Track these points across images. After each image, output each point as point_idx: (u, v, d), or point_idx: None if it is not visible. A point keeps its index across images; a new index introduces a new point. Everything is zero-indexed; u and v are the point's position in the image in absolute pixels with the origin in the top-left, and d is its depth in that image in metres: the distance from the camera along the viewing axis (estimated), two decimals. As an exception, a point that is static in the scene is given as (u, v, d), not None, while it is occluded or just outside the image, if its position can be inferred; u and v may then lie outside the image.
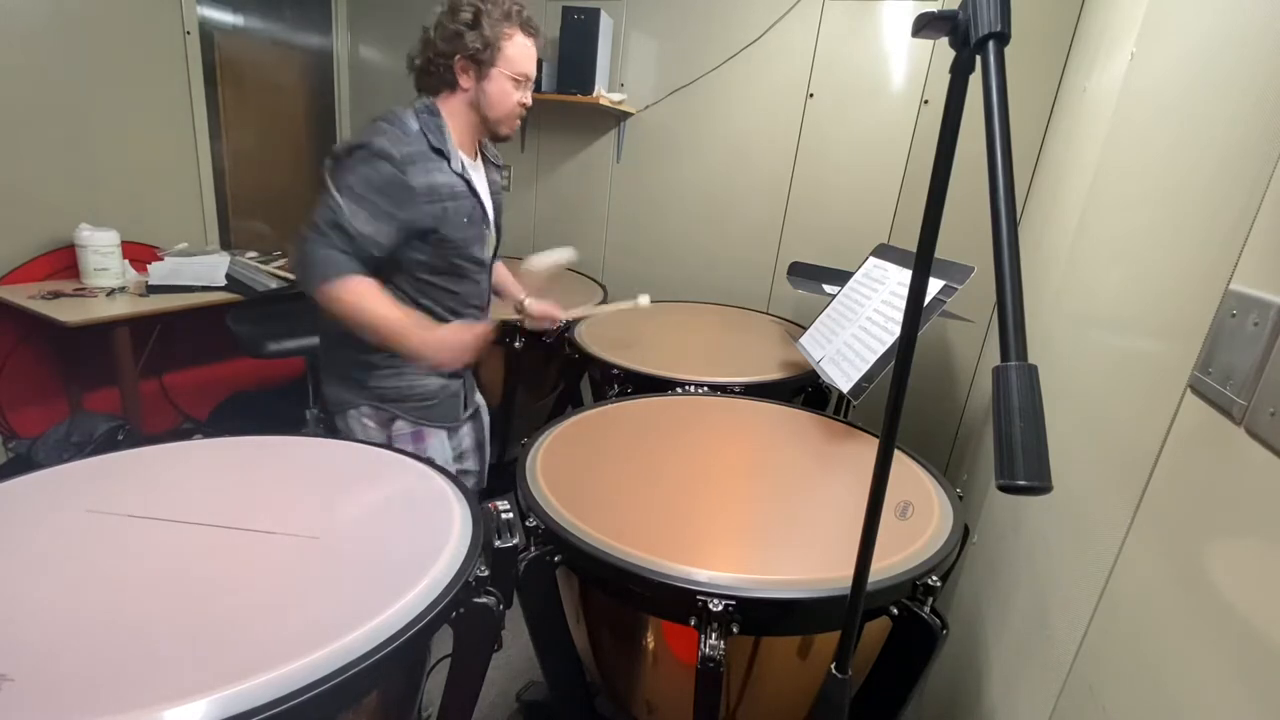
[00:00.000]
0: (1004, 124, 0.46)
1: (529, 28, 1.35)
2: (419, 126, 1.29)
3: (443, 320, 1.42)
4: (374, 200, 1.24)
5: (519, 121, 1.40)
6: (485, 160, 1.48)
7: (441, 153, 1.31)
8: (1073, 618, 0.87)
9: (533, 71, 1.38)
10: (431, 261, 1.35)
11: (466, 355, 1.37)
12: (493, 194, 1.48)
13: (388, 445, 1.26)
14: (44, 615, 0.70)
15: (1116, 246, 1.04)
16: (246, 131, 2.93)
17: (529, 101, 1.39)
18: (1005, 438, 0.43)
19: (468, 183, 1.36)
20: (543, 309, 1.72)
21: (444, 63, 1.31)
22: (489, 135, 1.42)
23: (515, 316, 1.81)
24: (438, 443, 1.48)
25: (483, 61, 1.30)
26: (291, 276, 2.43)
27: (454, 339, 1.35)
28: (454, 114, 1.35)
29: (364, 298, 1.25)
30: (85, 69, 2.29)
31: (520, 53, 1.33)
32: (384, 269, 1.33)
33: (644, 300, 1.82)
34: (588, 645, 1.16)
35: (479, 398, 1.69)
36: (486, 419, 1.71)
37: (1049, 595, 1.00)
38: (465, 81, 1.32)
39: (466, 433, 1.62)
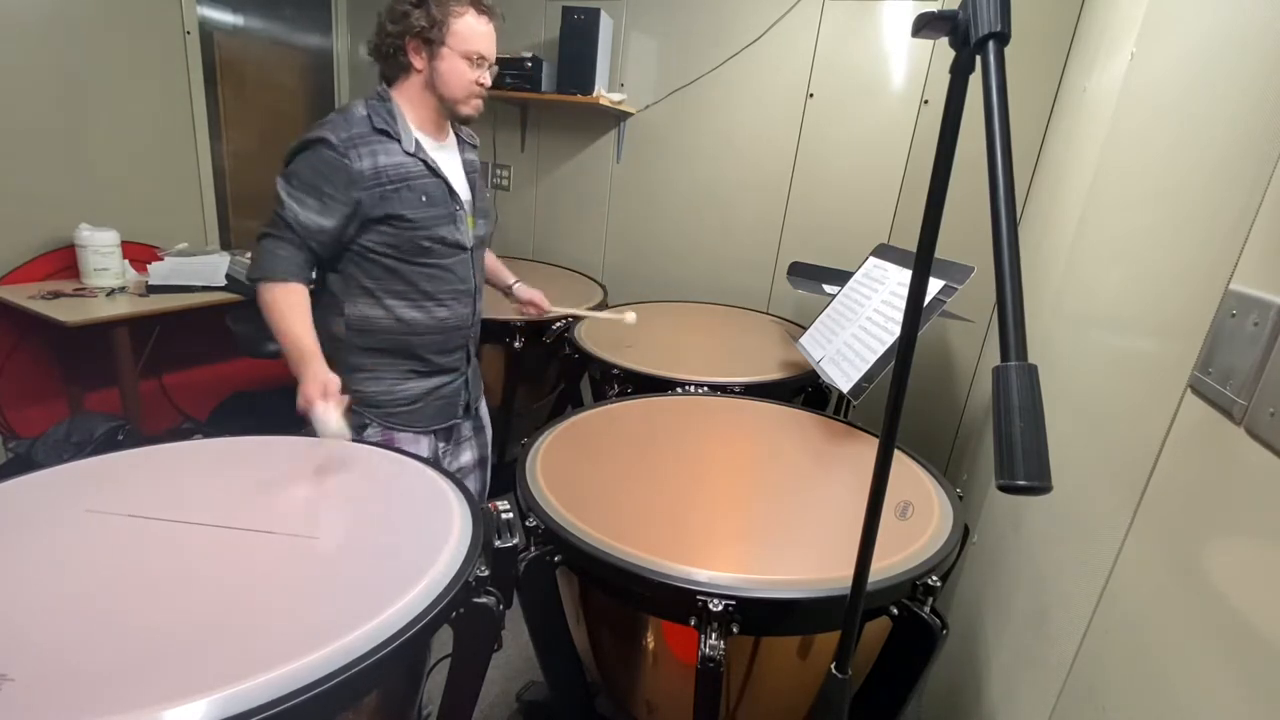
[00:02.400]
0: (1004, 124, 0.46)
1: (481, 6, 1.33)
2: (365, 112, 1.30)
3: (423, 306, 1.39)
4: (319, 188, 1.25)
5: (480, 102, 1.39)
6: (461, 141, 1.48)
7: (388, 134, 1.30)
8: (1073, 618, 0.87)
9: (488, 51, 1.35)
10: (397, 243, 1.33)
11: (302, 401, 1.21)
12: (468, 174, 1.47)
13: (387, 445, 1.26)
14: (44, 615, 0.69)
15: (1116, 246, 1.04)
16: (246, 131, 2.93)
17: (488, 81, 1.37)
18: (1005, 438, 0.43)
19: (425, 163, 1.35)
20: (529, 295, 1.74)
21: (395, 44, 1.31)
22: (451, 116, 1.40)
23: (514, 317, 1.82)
24: (412, 451, 1.46)
25: (432, 40, 1.30)
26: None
27: (309, 379, 1.22)
28: (412, 97, 1.35)
29: (286, 307, 1.26)
30: (85, 69, 2.29)
31: (471, 30, 1.31)
32: (344, 256, 1.33)
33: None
34: (588, 645, 1.16)
35: (484, 410, 1.66)
36: (489, 434, 1.69)
37: (1049, 595, 1.00)
38: (418, 62, 1.32)
39: (467, 448, 1.61)
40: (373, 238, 1.32)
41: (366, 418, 1.41)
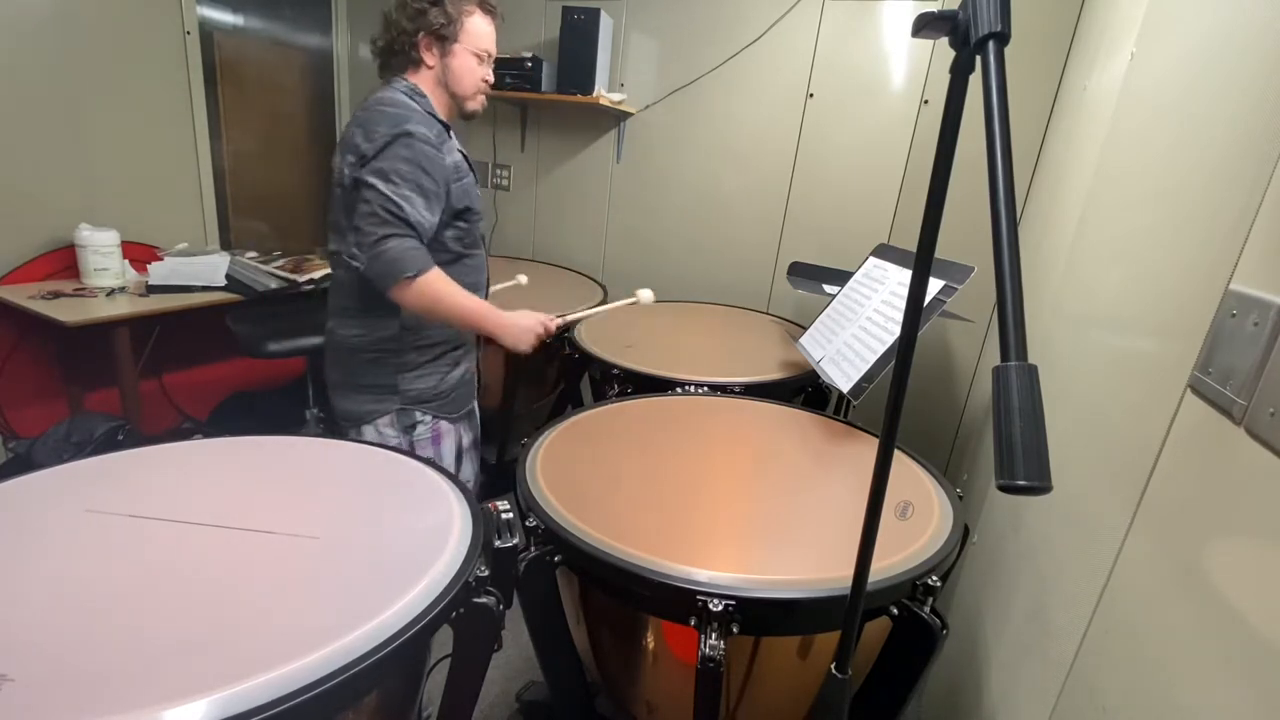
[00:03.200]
0: (1004, 124, 0.46)
1: (487, 5, 1.38)
2: (420, 107, 1.32)
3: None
4: (424, 185, 1.27)
5: (484, 98, 1.43)
6: None
7: (447, 129, 1.35)
8: (1073, 617, 0.87)
9: (494, 48, 1.41)
10: (462, 237, 1.39)
11: (533, 338, 1.43)
12: None
13: (388, 446, 1.26)
14: (44, 615, 0.69)
15: (1116, 246, 1.04)
16: (246, 131, 2.93)
17: (491, 78, 1.42)
18: (1005, 438, 0.43)
19: (464, 157, 1.41)
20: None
21: (408, 40, 1.33)
22: (459, 113, 1.44)
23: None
24: (451, 440, 1.50)
25: (446, 37, 1.33)
26: (292, 276, 2.44)
27: (525, 321, 1.42)
28: (426, 93, 1.37)
29: (444, 289, 1.31)
30: (85, 69, 2.29)
31: (481, 28, 1.37)
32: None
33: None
34: (588, 645, 1.16)
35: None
36: (478, 416, 1.71)
37: (1049, 595, 1.00)
38: (430, 59, 1.34)
39: (465, 429, 1.63)
40: (447, 233, 1.36)
41: (417, 414, 1.43)
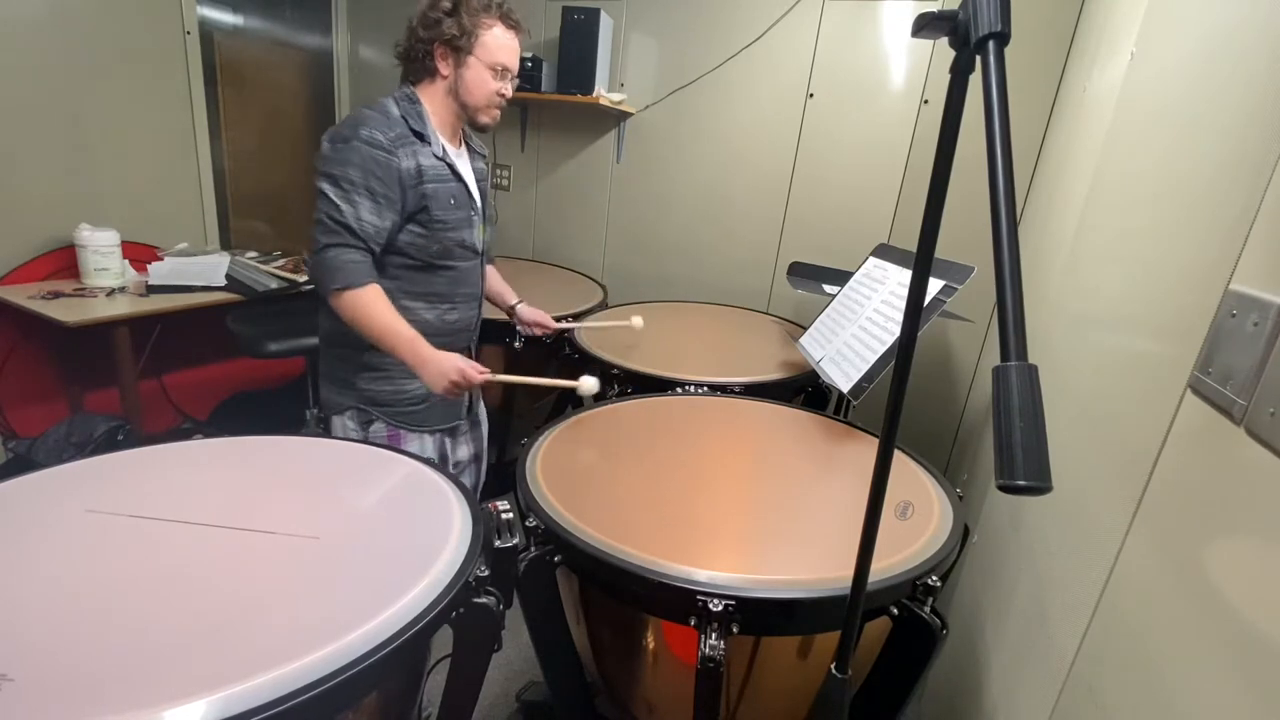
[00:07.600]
0: (1004, 124, 0.46)
1: (509, 20, 1.36)
2: (399, 112, 1.31)
3: (437, 308, 1.43)
4: (371, 188, 1.25)
5: (498, 111, 1.41)
6: (470, 150, 1.50)
7: (422, 136, 1.33)
8: (1073, 618, 0.87)
9: (512, 64, 1.39)
10: (425, 245, 1.36)
11: (451, 383, 1.30)
12: (478, 181, 1.49)
13: (386, 445, 1.26)
14: (44, 615, 0.69)
15: (1116, 246, 1.04)
16: (246, 131, 2.93)
17: (509, 93, 1.41)
18: (1005, 438, 0.43)
19: (450, 167, 1.38)
20: (534, 316, 1.77)
21: (424, 49, 1.33)
22: (469, 123, 1.43)
23: (507, 317, 1.83)
24: (416, 449, 1.46)
25: (460, 49, 1.32)
26: (292, 276, 2.44)
27: (444, 365, 1.30)
28: (434, 101, 1.37)
29: (373, 308, 1.28)
30: (85, 69, 2.29)
31: (499, 43, 1.35)
32: (384, 255, 1.34)
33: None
34: (588, 645, 1.16)
35: (481, 407, 1.68)
36: (485, 429, 1.70)
37: (1049, 595, 1.00)
38: (444, 69, 1.34)
39: (463, 442, 1.62)
40: (403, 238, 1.34)
41: (374, 415, 1.42)
